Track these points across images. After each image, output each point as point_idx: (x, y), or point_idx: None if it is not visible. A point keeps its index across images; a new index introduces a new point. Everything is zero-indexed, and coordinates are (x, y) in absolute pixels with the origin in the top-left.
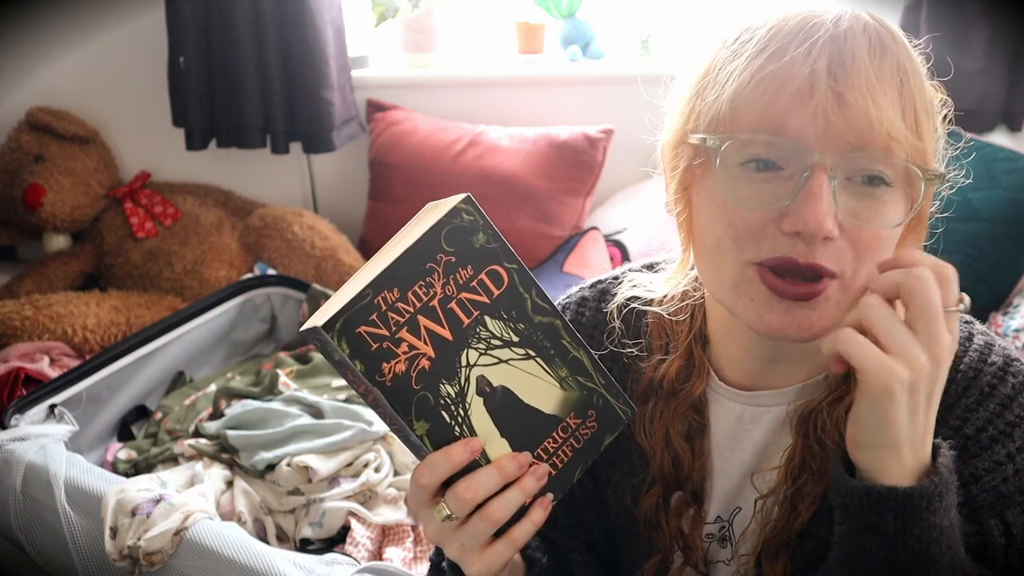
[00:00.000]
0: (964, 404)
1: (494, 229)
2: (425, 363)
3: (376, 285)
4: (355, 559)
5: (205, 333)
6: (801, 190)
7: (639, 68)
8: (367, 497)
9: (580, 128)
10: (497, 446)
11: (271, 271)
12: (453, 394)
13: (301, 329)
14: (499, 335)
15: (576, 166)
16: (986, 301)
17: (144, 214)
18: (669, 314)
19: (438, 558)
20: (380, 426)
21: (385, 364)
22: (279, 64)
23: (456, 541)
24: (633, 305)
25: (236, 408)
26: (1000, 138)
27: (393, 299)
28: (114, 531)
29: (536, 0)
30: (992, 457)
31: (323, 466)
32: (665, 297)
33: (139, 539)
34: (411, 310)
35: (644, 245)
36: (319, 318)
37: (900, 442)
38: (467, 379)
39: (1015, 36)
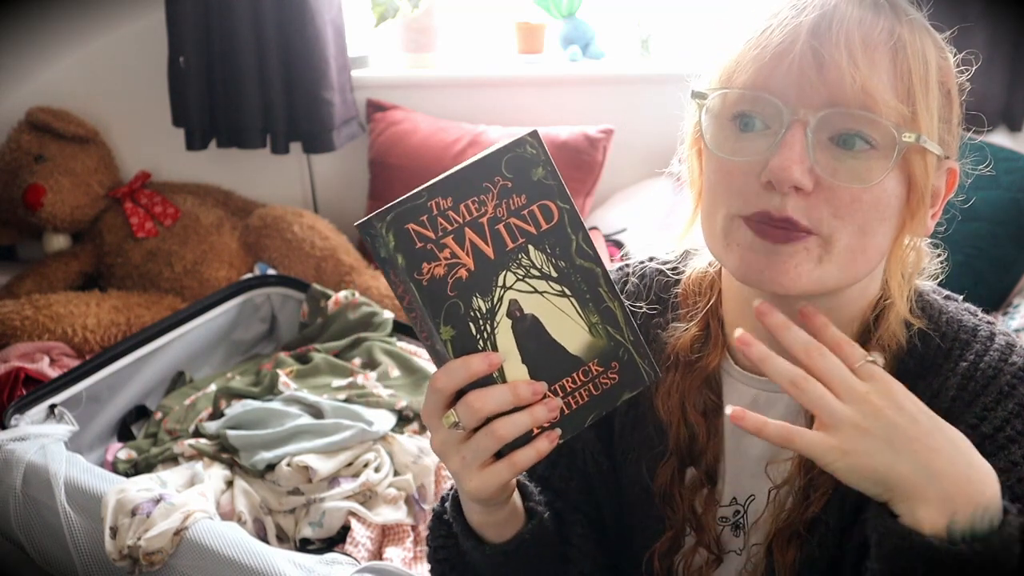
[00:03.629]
0: (982, 403)
1: (554, 167)
2: (463, 272)
3: (432, 189)
4: (355, 559)
5: (205, 333)
6: (776, 143)
7: (639, 68)
8: (367, 497)
9: (580, 128)
10: (516, 370)
11: (271, 271)
12: (484, 309)
13: (356, 224)
14: (539, 266)
15: (576, 166)
16: (986, 301)
17: (144, 214)
18: (690, 281)
19: (440, 507)
20: (380, 426)
21: (425, 264)
22: (279, 64)
23: (459, 454)
24: (652, 266)
25: (236, 408)
26: (1000, 138)
27: (445, 206)
28: (114, 531)
29: (536, 0)
30: (1009, 457)
31: (323, 466)
32: (681, 261)
33: (139, 539)
34: (460, 220)
35: (644, 245)
36: (374, 212)
37: (911, 494)
38: (500, 299)
39: (1015, 36)
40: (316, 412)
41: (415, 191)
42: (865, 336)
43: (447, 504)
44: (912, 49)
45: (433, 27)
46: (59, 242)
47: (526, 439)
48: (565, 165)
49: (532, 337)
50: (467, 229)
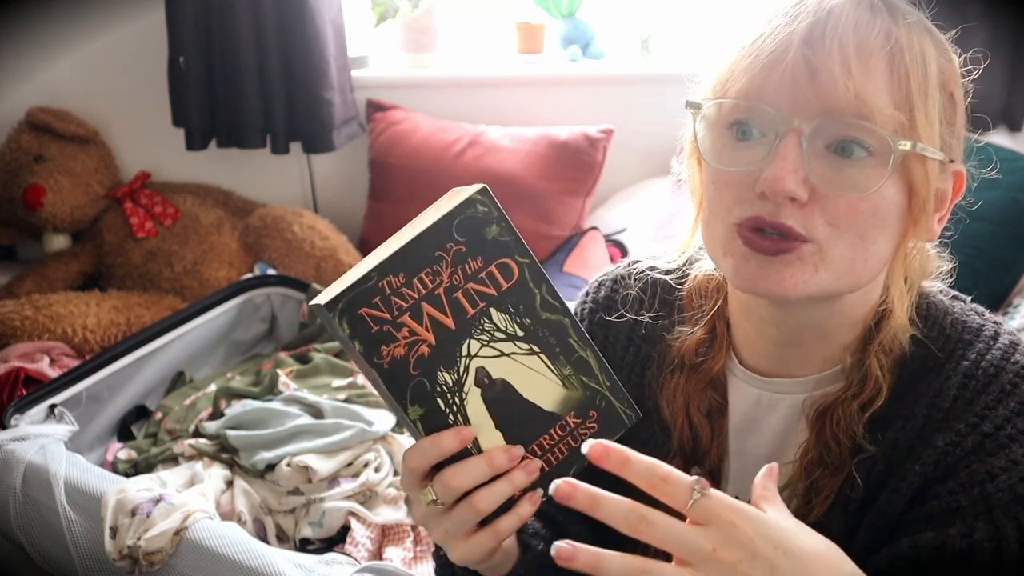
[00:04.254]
0: (984, 401)
1: (508, 222)
2: (425, 349)
3: (382, 269)
4: (355, 559)
5: (205, 333)
6: (771, 152)
7: (639, 68)
8: (367, 497)
9: (580, 128)
10: (491, 438)
11: (271, 271)
12: (451, 382)
13: (310, 303)
14: (504, 328)
15: (576, 166)
16: (986, 301)
17: (144, 214)
18: (695, 284)
19: None
20: (380, 426)
21: (384, 347)
22: (279, 64)
23: (441, 526)
24: (654, 275)
25: (236, 408)
26: (1000, 138)
27: (398, 284)
28: (114, 531)
29: (536, 0)
30: (1009, 456)
31: (323, 466)
32: (685, 266)
33: (139, 539)
34: (415, 296)
35: (644, 245)
36: (325, 295)
37: None
38: (466, 369)
39: (1015, 36)
40: (316, 412)
41: (365, 272)
42: (868, 339)
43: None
44: (910, 53)
45: (433, 27)
46: (59, 242)
47: (508, 505)
48: (565, 165)
49: (504, 402)
50: (424, 304)
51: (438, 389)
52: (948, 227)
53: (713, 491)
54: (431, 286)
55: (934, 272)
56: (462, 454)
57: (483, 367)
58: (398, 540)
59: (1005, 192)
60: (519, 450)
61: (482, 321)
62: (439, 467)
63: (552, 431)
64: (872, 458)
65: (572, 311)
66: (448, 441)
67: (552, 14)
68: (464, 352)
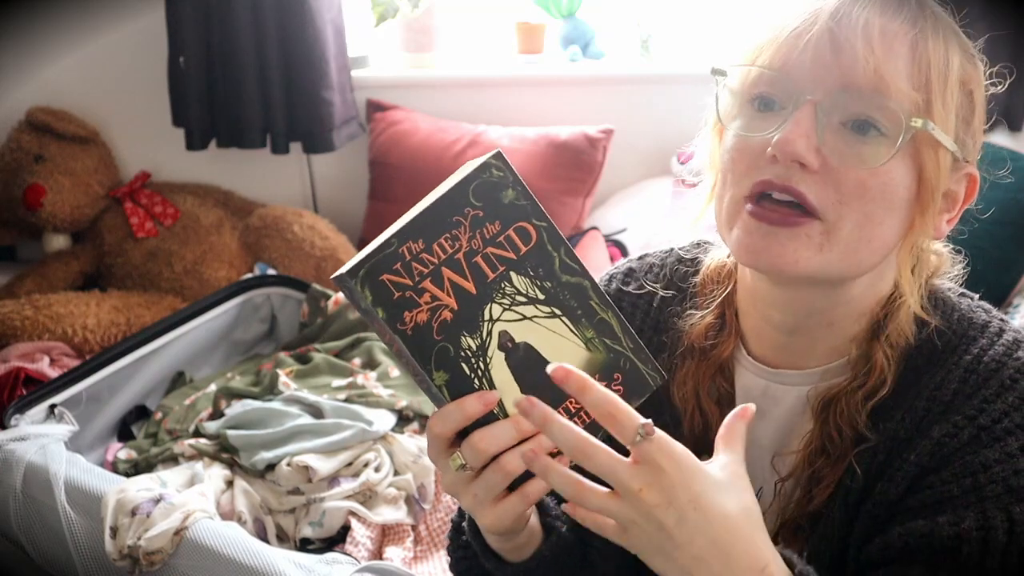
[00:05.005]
0: (982, 395)
1: (524, 186)
2: (447, 314)
3: (401, 235)
4: (355, 559)
5: (205, 333)
6: (788, 120)
7: (639, 68)
8: (367, 497)
9: (580, 128)
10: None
11: (271, 271)
12: (474, 347)
13: (332, 276)
14: (524, 292)
15: (576, 166)
16: (986, 301)
17: (144, 214)
18: (708, 271)
19: (459, 518)
20: (380, 426)
21: (407, 313)
22: (279, 64)
23: (470, 492)
24: (671, 256)
25: (236, 408)
26: (1000, 138)
27: (418, 250)
28: (114, 531)
29: (536, 0)
30: (1004, 448)
31: (323, 466)
32: (703, 255)
33: (139, 539)
34: (435, 261)
35: (644, 245)
36: (347, 265)
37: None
38: (489, 333)
39: (1015, 36)
40: (316, 412)
41: (384, 239)
42: (874, 332)
43: (465, 524)
44: (934, 43)
45: (433, 27)
46: (59, 242)
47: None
48: (565, 165)
49: (528, 365)
50: (444, 268)
51: (462, 354)
52: (961, 230)
53: (657, 435)
54: (451, 251)
55: (946, 271)
56: (488, 418)
57: (506, 331)
58: (398, 540)
59: (1005, 192)
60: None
61: (503, 285)
62: (464, 435)
63: None
64: (873, 449)
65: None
66: (472, 405)
67: (552, 14)
68: (486, 316)
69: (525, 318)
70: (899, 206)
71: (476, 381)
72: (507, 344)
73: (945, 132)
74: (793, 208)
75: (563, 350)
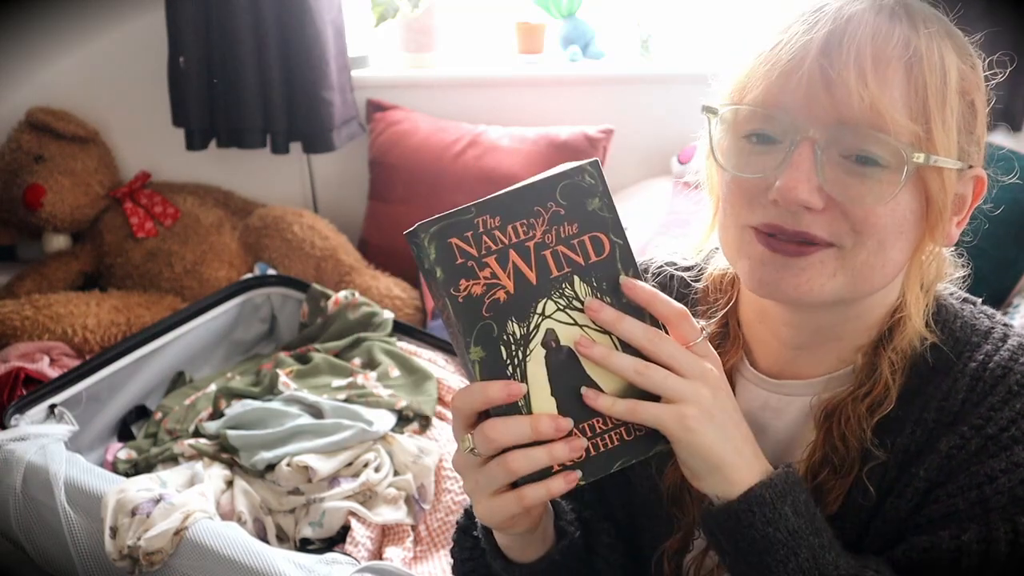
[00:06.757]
0: (989, 403)
1: (611, 200)
2: (502, 294)
3: (481, 207)
4: (355, 559)
5: (205, 333)
6: (786, 161)
7: (639, 68)
8: (367, 497)
9: (580, 128)
10: (544, 402)
11: (271, 271)
12: (518, 335)
13: (405, 232)
14: (583, 298)
15: None
16: (986, 301)
17: (144, 214)
18: (711, 280)
19: (466, 520)
20: (380, 426)
21: (464, 280)
22: (279, 64)
23: (472, 478)
24: (671, 270)
25: (236, 408)
26: (1000, 138)
27: (492, 225)
28: (114, 531)
29: (536, 0)
30: (1011, 458)
31: (323, 466)
32: (704, 264)
33: (139, 539)
34: (506, 241)
35: (644, 245)
36: (422, 222)
37: (724, 463)
38: (537, 327)
39: (1015, 36)
40: (316, 412)
41: (465, 205)
42: (880, 342)
43: (477, 521)
44: (929, 62)
45: (433, 27)
46: (59, 242)
47: (544, 474)
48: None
49: (565, 370)
50: (512, 251)
51: (504, 338)
52: (966, 232)
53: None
54: (523, 236)
55: (948, 276)
56: (511, 409)
57: (553, 330)
58: (398, 540)
59: (1005, 192)
60: (568, 423)
61: (563, 285)
62: (487, 415)
63: (607, 417)
64: (884, 465)
65: None
66: (495, 391)
67: (552, 14)
68: (539, 310)
69: (576, 324)
70: (908, 228)
71: (510, 368)
72: (551, 343)
73: (948, 155)
74: (805, 243)
75: (605, 368)
